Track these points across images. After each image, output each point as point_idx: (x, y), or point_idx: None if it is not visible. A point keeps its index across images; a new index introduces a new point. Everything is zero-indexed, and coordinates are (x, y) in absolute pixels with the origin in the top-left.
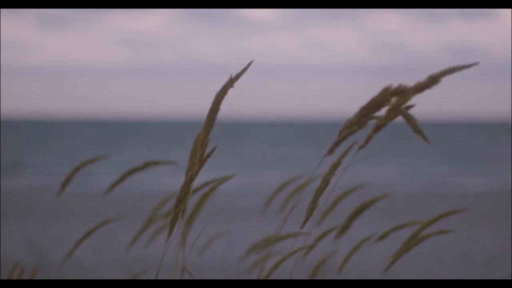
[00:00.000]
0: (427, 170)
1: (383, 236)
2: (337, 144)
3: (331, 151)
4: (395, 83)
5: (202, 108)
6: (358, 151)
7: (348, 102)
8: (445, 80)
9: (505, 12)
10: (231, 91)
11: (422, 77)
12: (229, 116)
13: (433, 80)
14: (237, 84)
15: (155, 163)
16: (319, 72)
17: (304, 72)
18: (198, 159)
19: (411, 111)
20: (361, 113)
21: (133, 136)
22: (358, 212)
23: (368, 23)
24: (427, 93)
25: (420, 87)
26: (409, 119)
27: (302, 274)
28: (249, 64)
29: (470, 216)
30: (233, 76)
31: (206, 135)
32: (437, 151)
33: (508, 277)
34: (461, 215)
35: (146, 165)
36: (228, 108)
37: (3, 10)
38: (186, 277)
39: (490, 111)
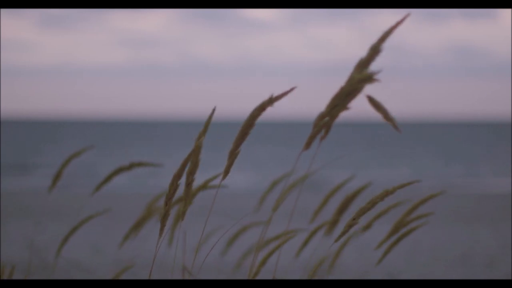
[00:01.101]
0: (427, 170)
1: (368, 226)
2: (312, 137)
3: (307, 145)
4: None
5: (202, 108)
6: (320, 142)
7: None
8: (445, 80)
9: (505, 12)
10: (231, 91)
11: (422, 77)
12: (229, 116)
13: (375, 51)
14: (237, 84)
15: (140, 164)
16: (319, 72)
17: (304, 72)
18: (226, 168)
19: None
20: (332, 104)
21: (134, 136)
22: (344, 205)
23: (368, 23)
24: (427, 93)
25: (367, 62)
26: (379, 107)
27: (302, 274)
28: (290, 90)
29: (470, 216)
30: (273, 96)
31: (236, 147)
32: (437, 151)
33: (508, 277)
34: (461, 215)
35: (131, 166)
36: (228, 108)
37: (3, 10)
38: (186, 276)
39: (490, 111)
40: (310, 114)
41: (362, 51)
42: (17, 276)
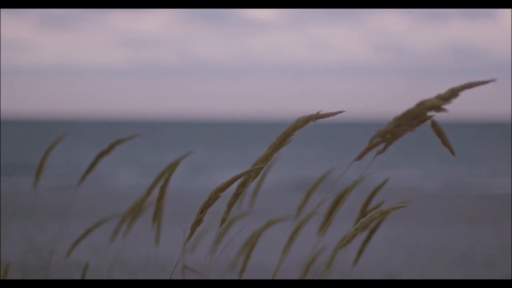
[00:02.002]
0: (427, 170)
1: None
2: (367, 150)
3: (360, 157)
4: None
5: (202, 108)
6: (376, 156)
7: (348, 102)
8: (445, 80)
9: (505, 12)
10: (231, 91)
11: (422, 77)
12: (230, 116)
13: (453, 94)
14: (237, 84)
15: (118, 142)
16: (320, 72)
17: (304, 72)
18: (256, 172)
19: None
20: (396, 123)
21: (134, 135)
22: (335, 204)
23: (368, 23)
24: (427, 93)
25: (445, 99)
26: (441, 133)
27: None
28: (337, 112)
29: (470, 216)
30: (320, 112)
31: (272, 152)
32: (437, 151)
33: (508, 277)
34: (461, 215)
35: (111, 147)
36: (228, 108)
37: (3, 10)
38: (187, 276)
39: (490, 111)
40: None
41: (362, 51)
42: (16, 276)
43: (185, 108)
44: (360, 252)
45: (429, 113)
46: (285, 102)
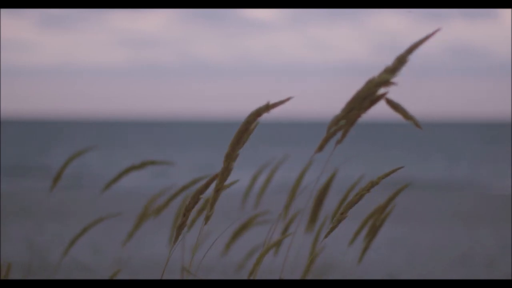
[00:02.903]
0: (427, 170)
1: (357, 234)
2: (326, 140)
3: (320, 148)
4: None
5: (202, 108)
6: (336, 146)
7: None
8: (445, 80)
9: (505, 12)
10: (231, 91)
11: (422, 77)
12: (230, 116)
13: (400, 61)
14: (237, 84)
15: (152, 162)
16: (320, 72)
17: (304, 72)
18: (223, 171)
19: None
20: (348, 108)
21: (134, 135)
22: (319, 200)
23: (368, 23)
24: (427, 93)
25: (393, 70)
26: (397, 107)
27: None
28: (287, 99)
29: (470, 216)
30: (270, 103)
31: (232, 151)
32: (436, 151)
33: (508, 277)
34: (461, 215)
35: (143, 164)
36: (228, 108)
37: (3, 10)
38: (186, 277)
39: (490, 111)
40: (310, 115)
41: (362, 51)
42: (17, 276)
43: (185, 108)
44: (365, 249)
45: (380, 91)
46: (286, 102)
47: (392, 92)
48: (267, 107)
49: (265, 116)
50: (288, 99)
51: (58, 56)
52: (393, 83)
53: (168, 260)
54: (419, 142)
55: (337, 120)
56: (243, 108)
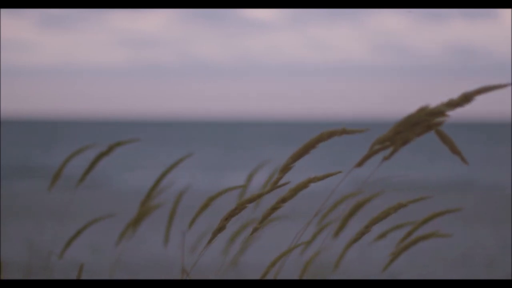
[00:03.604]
0: (427, 170)
1: (383, 235)
2: (367, 158)
3: (360, 164)
4: (430, 103)
5: (202, 108)
6: (381, 162)
7: (348, 102)
8: (445, 80)
9: (505, 12)
10: (232, 91)
11: (422, 77)
12: (230, 116)
13: (466, 99)
14: (237, 84)
15: (118, 143)
16: (320, 72)
17: (304, 72)
18: (276, 181)
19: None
20: (395, 130)
21: (134, 135)
22: (354, 211)
23: (368, 23)
24: (427, 93)
25: (454, 105)
26: (446, 139)
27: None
28: (352, 131)
29: (470, 216)
30: (346, 129)
31: (291, 162)
32: (436, 151)
33: (508, 277)
34: (461, 215)
35: (110, 148)
36: (228, 108)
37: (3, 10)
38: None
39: (490, 111)
40: (310, 114)
41: (362, 51)
42: (17, 276)
43: (185, 108)
44: (397, 255)
45: (434, 120)
46: (285, 101)
47: (392, 92)
48: (342, 132)
49: (265, 117)
50: (365, 129)
51: (58, 56)
52: (447, 115)
53: (194, 263)
54: (419, 142)
55: (381, 140)
56: (243, 108)
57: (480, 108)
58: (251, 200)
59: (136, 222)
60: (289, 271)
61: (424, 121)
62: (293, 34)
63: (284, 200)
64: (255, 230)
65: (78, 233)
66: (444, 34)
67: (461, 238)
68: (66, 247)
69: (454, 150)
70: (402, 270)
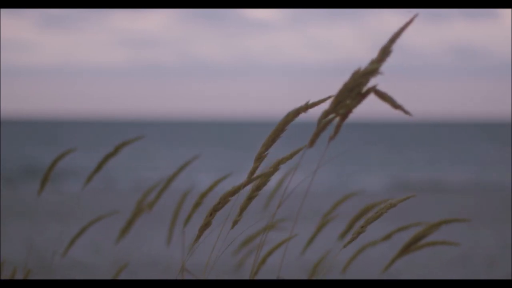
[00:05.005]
0: (427, 170)
1: (387, 237)
2: (317, 135)
3: (312, 143)
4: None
5: (202, 108)
6: (329, 142)
7: None
8: (445, 80)
9: (505, 12)
10: (231, 91)
11: (422, 77)
12: (230, 116)
13: (385, 52)
14: (237, 84)
15: (124, 143)
16: (320, 72)
17: (304, 72)
18: (252, 171)
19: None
20: (336, 101)
21: (134, 135)
22: (362, 214)
23: (368, 23)
24: (427, 93)
25: (378, 60)
26: (385, 97)
27: (303, 275)
28: (327, 98)
29: (470, 216)
30: (309, 102)
31: (264, 150)
32: (437, 151)
33: (508, 277)
34: (462, 215)
35: (117, 149)
36: (228, 108)
37: (3, 10)
38: (186, 276)
39: (490, 111)
40: (310, 114)
41: (362, 51)
42: (17, 276)
43: (185, 108)
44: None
45: (368, 83)
46: (285, 102)
47: (392, 92)
48: (306, 107)
49: (265, 116)
50: (329, 97)
51: (58, 56)
52: (379, 73)
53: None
54: (419, 142)
55: (325, 114)
56: (243, 108)
57: (480, 108)
58: (232, 193)
59: (131, 220)
60: (289, 271)
61: (359, 84)
62: (293, 34)
63: (258, 188)
64: (235, 223)
65: (82, 231)
66: (444, 34)
67: (461, 238)
68: (70, 246)
69: (395, 105)
70: (402, 270)
